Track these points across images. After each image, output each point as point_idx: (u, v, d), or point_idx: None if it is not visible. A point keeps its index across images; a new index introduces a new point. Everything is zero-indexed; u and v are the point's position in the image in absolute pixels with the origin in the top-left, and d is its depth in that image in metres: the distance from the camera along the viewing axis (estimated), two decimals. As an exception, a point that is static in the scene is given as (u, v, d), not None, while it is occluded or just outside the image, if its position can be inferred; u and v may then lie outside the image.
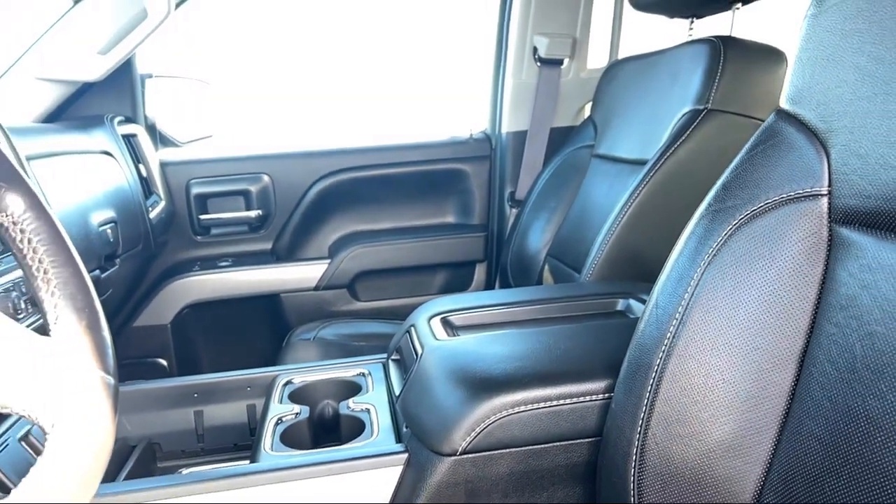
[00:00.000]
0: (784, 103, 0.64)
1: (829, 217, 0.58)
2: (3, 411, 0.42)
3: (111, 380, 0.48)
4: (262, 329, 1.86)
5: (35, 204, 0.52)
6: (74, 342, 0.48)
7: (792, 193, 0.60)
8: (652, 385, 0.65)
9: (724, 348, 0.62)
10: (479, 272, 1.94)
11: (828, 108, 0.59)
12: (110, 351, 0.50)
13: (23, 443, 0.81)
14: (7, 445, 0.79)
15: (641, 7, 1.39)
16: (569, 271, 1.41)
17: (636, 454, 0.66)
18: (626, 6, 1.54)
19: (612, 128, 1.49)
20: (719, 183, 0.68)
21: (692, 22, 1.42)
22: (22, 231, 0.51)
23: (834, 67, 0.58)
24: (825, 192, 0.58)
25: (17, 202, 0.51)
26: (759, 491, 0.61)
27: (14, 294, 0.82)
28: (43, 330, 0.49)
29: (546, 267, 1.56)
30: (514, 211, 1.81)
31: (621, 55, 1.82)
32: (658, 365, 0.65)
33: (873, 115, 0.54)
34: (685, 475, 0.63)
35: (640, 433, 0.66)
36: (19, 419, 0.84)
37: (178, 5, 1.57)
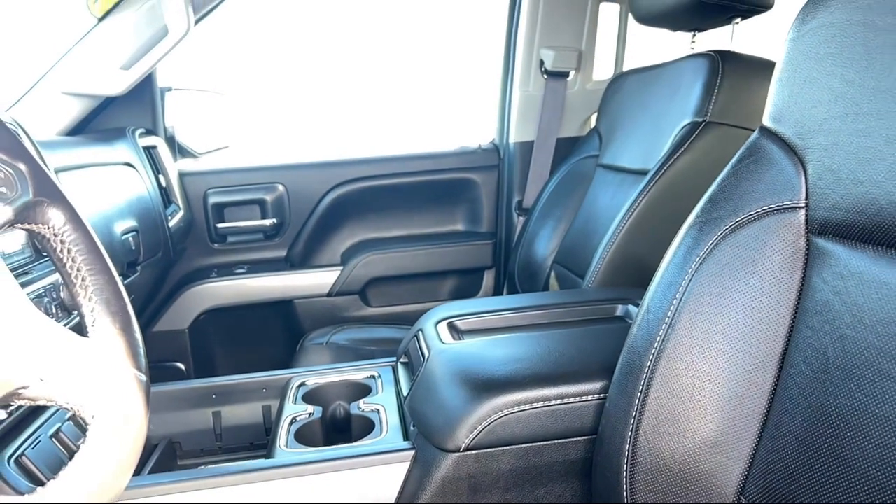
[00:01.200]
0: (766, 121, 0.68)
1: (807, 228, 0.62)
2: (49, 404, 0.47)
3: (143, 377, 0.53)
4: (276, 334, 1.91)
5: (73, 217, 0.58)
6: (110, 343, 0.53)
7: (773, 205, 0.65)
8: (643, 385, 0.69)
9: (710, 351, 0.66)
10: (488, 279, 1.98)
11: (805, 126, 0.63)
12: (142, 351, 0.55)
13: (54, 440, 0.86)
14: (39, 442, 0.84)
15: (645, 21, 1.43)
16: (574, 278, 1.45)
17: (628, 451, 0.70)
18: (632, 19, 1.58)
19: (616, 138, 1.53)
20: (707, 195, 0.72)
21: (694, 35, 1.46)
22: (62, 242, 0.56)
23: (810, 88, 0.62)
24: (803, 205, 0.62)
25: (58, 215, 0.57)
26: (741, 485, 0.65)
27: (46, 300, 0.88)
28: (79, 331, 0.55)
29: (552, 274, 1.60)
30: (522, 219, 1.85)
31: (629, 65, 1.86)
32: (649, 366, 0.69)
33: (844, 133, 0.58)
34: (673, 470, 0.67)
35: (631, 431, 0.70)
36: (50, 418, 0.89)
37: (196, 22, 1.63)
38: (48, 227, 0.56)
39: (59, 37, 1.57)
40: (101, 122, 1.67)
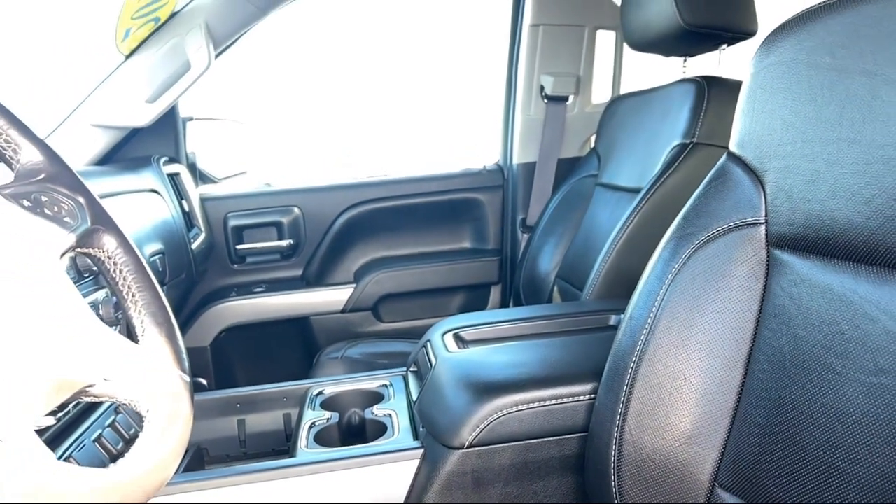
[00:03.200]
0: (732, 146, 0.77)
1: (767, 241, 0.70)
2: (111, 400, 0.55)
3: (187, 377, 0.61)
4: (293, 349, 2.00)
5: (124, 242, 0.67)
6: (158, 348, 0.62)
7: (737, 222, 0.73)
8: (627, 385, 0.77)
9: (685, 352, 0.74)
10: (495, 294, 2.06)
11: (762, 152, 0.71)
12: (185, 356, 0.63)
13: (97, 444, 0.95)
14: (84, 446, 0.93)
15: (638, 48, 1.52)
16: (575, 291, 1.53)
17: (615, 445, 0.78)
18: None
19: (613, 159, 1.62)
20: (682, 213, 0.80)
21: (685, 60, 1.55)
22: (115, 263, 0.66)
23: (766, 118, 0.71)
24: (763, 221, 0.70)
25: (111, 241, 0.66)
26: (715, 472, 0.72)
27: (90, 315, 0.97)
28: (129, 339, 0.63)
29: (555, 288, 1.68)
30: (526, 236, 1.93)
31: (632, 86, 1.95)
32: (632, 368, 0.77)
33: (794, 158, 0.66)
34: (655, 461, 0.75)
35: (618, 426, 0.77)
36: (92, 424, 0.98)
37: (217, 56, 1.74)
38: (103, 251, 0.65)
39: (89, 73, 1.68)
40: (127, 151, 1.76)
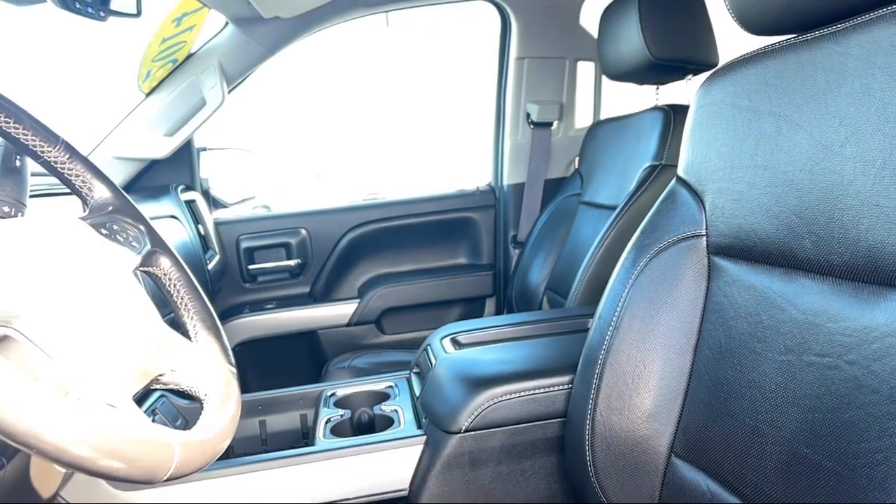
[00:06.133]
0: (679, 171, 0.91)
1: (708, 250, 0.85)
2: (177, 387, 0.69)
3: (234, 369, 0.75)
4: (303, 361, 2.13)
5: (176, 261, 0.81)
6: (210, 346, 0.76)
7: (684, 234, 0.87)
8: (597, 374, 0.91)
9: (644, 344, 0.88)
10: (490, 305, 2.20)
11: (702, 176, 0.86)
12: (230, 352, 0.77)
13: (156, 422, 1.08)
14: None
15: (614, 77, 1.67)
16: (562, 300, 1.67)
17: (589, 425, 0.91)
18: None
19: (594, 179, 1.77)
20: (640, 227, 0.95)
21: (657, 88, 1.70)
22: (170, 279, 0.80)
23: (703, 149, 0.85)
24: (704, 233, 0.85)
25: (167, 261, 0.80)
26: (671, 444, 0.86)
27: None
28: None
29: (545, 298, 1.82)
30: (517, 251, 2.07)
31: (608, 112, 2.11)
32: (601, 359, 0.91)
33: (724, 181, 0.81)
34: (622, 437, 0.89)
35: (590, 410, 0.91)
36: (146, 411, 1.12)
37: (230, 91, 1.89)
38: (160, 270, 0.80)
39: (112, 110, 1.83)
40: (146, 180, 1.91)
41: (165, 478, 0.54)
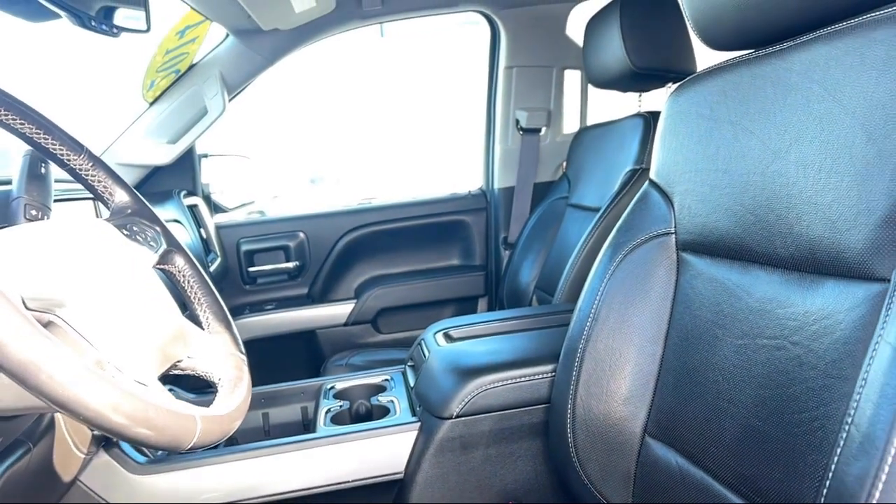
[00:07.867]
0: (651, 175, 0.99)
1: (677, 246, 0.92)
2: (193, 372, 0.76)
3: (244, 357, 0.83)
4: (302, 359, 2.20)
5: (189, 260, 0.89)
6: (221, 336, 0.83)
7: (656, 232, 0.95)
8: (577, 362, 0.98)
9: (620, 334, 0.95)
10: (482, 305, 2.28)
11: (671, 179, 0.94)
12: (240, 341, 0.85)
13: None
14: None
15: (599, 85, 1.75)
16: (550, 299, 1.74)
17: (570, 410, 0.99)
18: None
19: (580, 182, 1.85)
20: (616, 226, 1.02)
21: (640, 96, 1.79)
22: (184, 276, 0.87)
23: (672, 154, 0.93)
24: (673, 231, 0.93)
25: (181, 259, 0.88)
26: (645, 424, 0.93)
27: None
28: (196, 333, 0.85)
29: (534, 297, 1.89)
30: (507, 252, 2.15)
31: (596, 118, 2.19)
32: (580, 348, 0.98)
33: (690, 184, 0.89)
34: (600, 419, 0.96)
35: (571, 395, 0.99)
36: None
37: (230, 99, 1.96)
38: (175, 267, 0.87)
39: (117, 119, 1.90)
40: (150, 186, 1.98)
41: (189, 447, 0.61)
